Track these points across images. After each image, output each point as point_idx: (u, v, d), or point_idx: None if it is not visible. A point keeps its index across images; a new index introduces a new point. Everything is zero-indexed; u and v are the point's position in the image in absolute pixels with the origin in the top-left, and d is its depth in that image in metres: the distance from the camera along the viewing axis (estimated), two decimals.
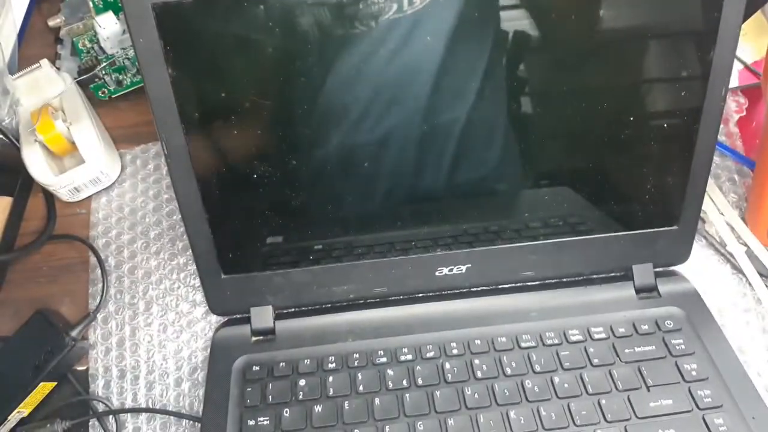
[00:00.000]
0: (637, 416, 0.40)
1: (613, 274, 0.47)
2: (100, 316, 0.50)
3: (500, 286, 0.47)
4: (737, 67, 0.56)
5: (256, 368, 0.43)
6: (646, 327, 0.44)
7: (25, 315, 0.48)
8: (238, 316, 0.46)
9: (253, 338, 0.45)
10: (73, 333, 0.47)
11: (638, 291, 0.46)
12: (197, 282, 0.50)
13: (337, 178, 0.42)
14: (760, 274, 0.49)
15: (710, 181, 0.52)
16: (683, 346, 0.43)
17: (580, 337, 0.44)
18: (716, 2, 0.39)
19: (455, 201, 0.44)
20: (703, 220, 0.51)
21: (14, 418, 0.45)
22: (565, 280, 0.47)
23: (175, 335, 0.49)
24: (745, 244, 0.50)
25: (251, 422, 0.40)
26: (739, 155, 0.53)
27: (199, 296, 0.50)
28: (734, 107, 0.56)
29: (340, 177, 0.42)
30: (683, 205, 0.44)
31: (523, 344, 0.43)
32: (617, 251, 0.46)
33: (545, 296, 0.46)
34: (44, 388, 0.46)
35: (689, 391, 0.41)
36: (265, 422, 0.40)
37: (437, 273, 0.45)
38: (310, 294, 0.45)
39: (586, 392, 0.41)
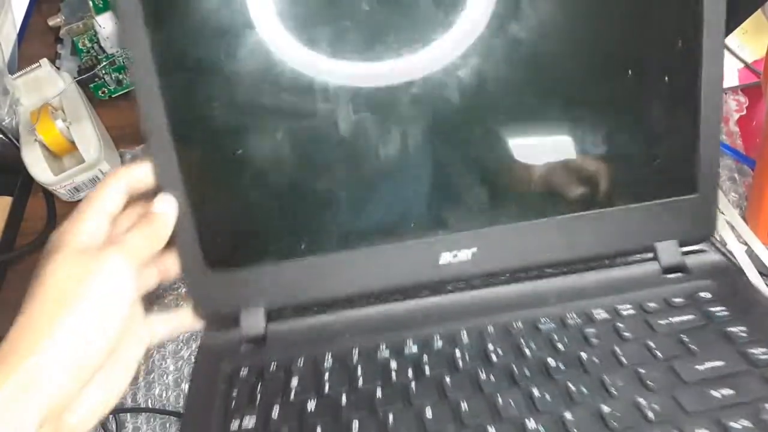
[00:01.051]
0: (684, 381, 0.34)
1: (636, 257, 0.42)
2: None
3: (512, 275, 0.42)
4: (737, 65, 0.56)
5: (244, 372, 0.38)
6: (679, 300, 0.39)
7: None
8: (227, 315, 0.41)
9: (243, 344, 0.40)
10: None
11: (665, 271, 0.41)
12: None
13: (328, 167, 0.39)
14: (761, 273, 0.49)
15: None
16: (725, 313, 0.38)
17: (606, 316, 0.38)
18: None
19: (458, 178, 0.40)
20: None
21: None
22: (584, 265, 0.43)
23: None
24: (746, 243, 0.50)
25: (236, 423, 0.35)
26: (739, 154, 0.53)
27: None
28: (734, 106, 0.56)
29: (332, 164, 0.39)
30: (699, 170, 0.41)
31: (542, 326, 0.38)
32: (637, 227, 0.41)
33: (563, 281, 0.42)
34: None
35: (741, 352, 0.35)
36: (251, 423, 0.35)
37: (441, 261, 0.40)
38: (304, 292, 0.40)
39: (621, 365, 0.35)
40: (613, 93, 0.40)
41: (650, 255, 0.42)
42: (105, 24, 0.54)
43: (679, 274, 0.41)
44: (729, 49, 0.57)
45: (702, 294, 0.39)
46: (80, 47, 0.57)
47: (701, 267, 0.42)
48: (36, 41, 0.58)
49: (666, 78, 0.40)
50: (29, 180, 0.51)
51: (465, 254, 0.40)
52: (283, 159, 0.38)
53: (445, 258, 0.40)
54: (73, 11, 0.58)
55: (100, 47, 0.56)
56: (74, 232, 0.32)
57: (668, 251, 0.41)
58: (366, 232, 0.40)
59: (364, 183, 0.40)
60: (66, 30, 0.57)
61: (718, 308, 0.38)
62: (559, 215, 0.41)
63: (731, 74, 0.56)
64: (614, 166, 0.41)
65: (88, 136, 0.50)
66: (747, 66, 0.56)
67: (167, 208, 0.35)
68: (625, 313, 0.39)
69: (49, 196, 0.53)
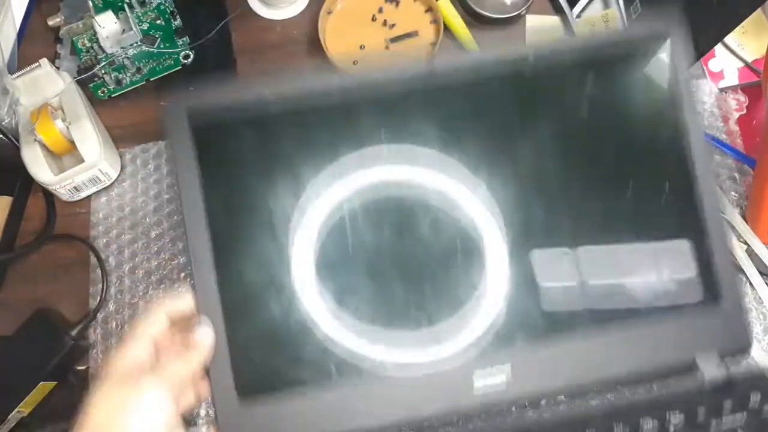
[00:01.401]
0: None
1: (678, 372, 0.43)
2: (100, 316, 0.50)
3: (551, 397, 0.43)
4: (737, 65, 0.56)
5: None
6: (728, 404, 0.39)
7: (25, 315, 0.48)
8: None
9: None
10: (73, 333, 0.47)
11: (709, 384, 0.42)
12: None
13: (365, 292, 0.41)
14: (761, 273, 0.49)
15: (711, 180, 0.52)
16: None
17: (655, 424, 0.39)
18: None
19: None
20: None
21: (14, 417, 0.45)
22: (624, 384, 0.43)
23: None
24: (746, 243, 0.50)
25: None
26: (739, 153, 0.53)
27: None
28: (734, 105, 0.56)
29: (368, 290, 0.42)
30: (718, 280, 0.43)
31: None
32: (673, 340, 0.42)
33: (604, 401, 0.42)
34: (44, 387, 0.46)
35: None
36: None
37: (476, 385, 0.41)
38: (336, 424, 0.40)
39: None
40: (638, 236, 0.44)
41: (693, 367, 0.42)
42: (104, 24, 0.54)
43: (725, 385, 0.42)
44: (729, 48, 0.57)
45: (753, 397, 0.40)
46: (80, 47, 0.57)
47: (745, 376, 0.42)
48: (36, 41, 0.58)
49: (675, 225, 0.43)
50: (29, 180, 0.51)
51: (500, 377, 0.41)
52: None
53: (480, 382, 0.41)
54: (73, 11, 0.58)
55: (100, 47, 0.56)
56: (118, 360, 0.34)
57: (709, 362, 0.41)
58: (394, 364, 0.41)
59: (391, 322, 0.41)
60: (66, 30, 0.57)
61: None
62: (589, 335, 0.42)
63: (731, 73, 0.56)
64: (640, 286, 0.43)
65: (88, 135, 0.50)
66: (747, 65, 0.56)
67: (206, 336, 0.37)
68: (675, 421, 0.39)
69: (49, 196, 0.53)
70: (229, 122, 0.41)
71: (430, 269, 0.42)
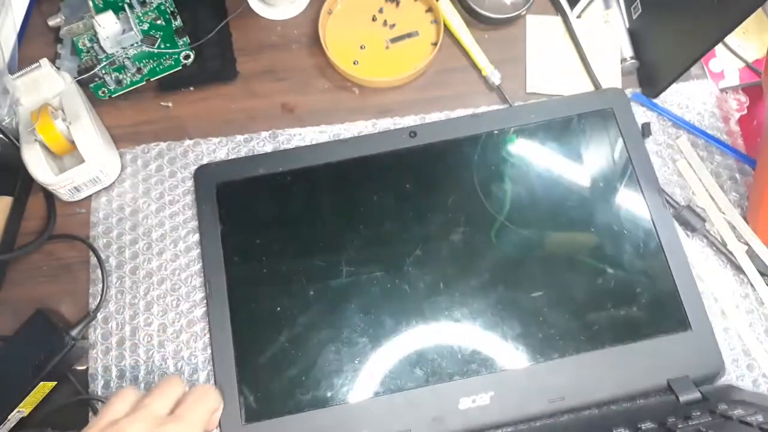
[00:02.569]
0: None
1: (654, 395, 0.46)
2: (100, 316, 0.50)
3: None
4: (738, 65, 0.56)
5: None
6: (698, 413, 0.41)
7: (25, 315, 0.48)
8: None
9: None
10: (73, 333, 0.47)
11: (683, 404, 0.44)
12: (199, 282, 0.50)
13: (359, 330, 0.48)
14: (762, 273, 0.49)
15: (711, 180, 0.52)
16: (744, 411, 0.41)
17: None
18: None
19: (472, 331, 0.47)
20: (704, 220, 0.50)
21: (14, 417, 0.45)
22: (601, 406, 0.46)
23: (174, 335, 0.49)
24: (747, 243, 0.50)
25: None
26: (740, 154, 0.53)
27: (200, 295, 0.50)
28: (735, 106, 0.56)
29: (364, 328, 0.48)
30: (684, 308, 0.47)
31: None
32: (648, 363, 0.46)
33: (580, 417, 0.46)
34: (44, 387, 0.46)
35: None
36: None
37: (460, 407, 0.45)
38: None
39: None
40: (607, 279, 0.49)
41: (668, 391, 0.45)
42: (105, 24, 0.54)
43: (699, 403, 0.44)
44: (730, 49, 0.57)
45: (721, 405, 0.42)
46: (80, 47, 0.57)
47: (716, 393, 0.45)
48: (36, 41, 0.58)
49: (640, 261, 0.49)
50: (29, 180, 0.51)
51: (483, 398, 0.46)
52: (315, 336, 0.48)
53: (465, 403, 0.45)
54: (73, 11, 0.58)
55: (100, 47, 0.56)
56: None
57: (683, 386, 0.45)
58: (386, 382, 0.46)
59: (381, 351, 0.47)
60: (66, 30, 0.57)
61: (738, 411, 0.41)
62: (568, 356, 0.46)
63: (732, 74, 0.56)
64: (617, 312, 0.47)
65: (88, 136, 0.50)
66: (748, 65, 0.56)
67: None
68: (645, 427, 0.41)
69: (49, 196, 0.53)
70: (252, 191, 0.52)
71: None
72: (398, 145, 0.52)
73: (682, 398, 0.44)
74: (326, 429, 0.45)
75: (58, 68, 0.55)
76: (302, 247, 0.50)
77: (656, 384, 0.45)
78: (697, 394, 0.44)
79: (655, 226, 0.49)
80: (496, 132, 0.53)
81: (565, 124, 0.53)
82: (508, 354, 0.46)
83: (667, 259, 0.48)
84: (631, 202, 0.50)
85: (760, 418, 0.39)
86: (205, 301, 0.49)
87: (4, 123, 0.51)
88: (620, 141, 0.52)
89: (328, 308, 0.48)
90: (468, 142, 0.52)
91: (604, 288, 0.48)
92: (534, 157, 0.52)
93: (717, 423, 0.40)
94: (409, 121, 0.55)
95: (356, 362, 0.47)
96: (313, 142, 0.54)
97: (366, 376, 0.46)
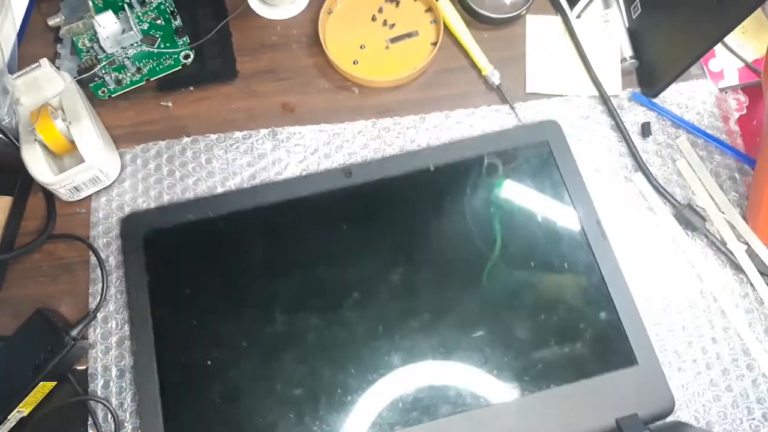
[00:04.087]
0: None
1: None
2: (100, 316, 0.49)
3: None
4: (737, 65, 0.56)
5: None
6: None
7: (25, 314, 0.48)
8: None
9: None
10: (73, 332, 0.47)
11: None
12: None
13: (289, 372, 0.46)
14: (761, 273, 0.49)
15: (711, 180, 0.52)
16: None
17: None
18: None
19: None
20: (704, 219, 0.51)
21: (14, 417, 0.45)
22: None
23: None
24: (746, 243, 0.50)
25: None
26: (739, 153, 0.53)
27: None
28: (735, 105, 0.56)
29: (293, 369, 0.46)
30: (630, 342, 0.46)
31: None
32: (596, 401, 0.45)
33: None
34: (44, 387, 0.46)
35: None
36: None
37: None
38: None
39: None
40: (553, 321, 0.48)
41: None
42: (105, 23, 0.54)
43: None
44: (729, 48, 0.57)
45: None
46: (80, 47, 0.57)
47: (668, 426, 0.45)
48: (36, 41, 0.58)
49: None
50: (29, 180, 0.51)
51: None
52: (248, 390, 0.46)
53: None
54: (73, 11, 0.58)
55: (100, 47, 0.56)
56: None
57: (632, 426, 0.44)
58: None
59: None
60: (66, 30, 0.57)
61: None
62: (515, 397, 0.45)
63: (731, 73, 0.56)
64: (561, 350, 0.46)
65: (88, 135, 0.50)
66: (747, 65, 0.56)
67: None
68: None
69: (49, 195, 0.53)
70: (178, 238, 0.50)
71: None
72: (333, 185, 0.51)
73: None
74: None
75: (58, 68, 0.55)
76: (234, 295, 0.48)
77: (605, 424, 0.44)
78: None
79: (595, 259, 0.49)
80: (432, 169, 0.51)
81: (501, 159, 0.52)
82: (452, 399, 0.45)
83: (609, 292, 0.48)
84: (569, 236, 0.50)
85: None
86: None
87: (4, 123, 0.51)
88: (557, 175, 0.51)
89: (261, 359, 0.46)
90: (403, 180, 0.51)
91: (546, 325, 0.47)
92: (469, 193, 0.51)
93: None
94: (409, 120, 0.55)
95: (291, 416, 0.45)
96: (252, 185, 0.53)
97: (302, 430, 0.44)
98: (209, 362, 0.46)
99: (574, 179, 0.51)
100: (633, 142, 0.53)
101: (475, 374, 0.46)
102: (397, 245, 0.50)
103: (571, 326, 0.47)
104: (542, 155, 0.52)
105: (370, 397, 0.45)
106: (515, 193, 0.51)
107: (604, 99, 0.55)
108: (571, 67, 0.57)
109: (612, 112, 0.54)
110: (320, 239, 0.50)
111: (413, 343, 0.46)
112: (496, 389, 0.45)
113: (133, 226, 0.51)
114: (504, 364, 0.46)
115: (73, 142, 0.50)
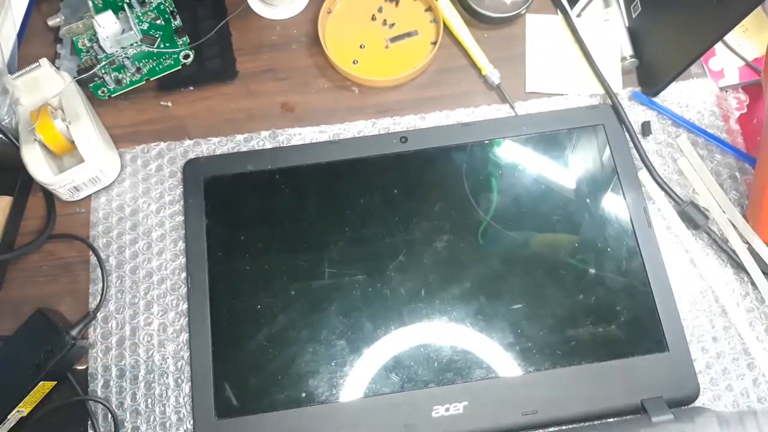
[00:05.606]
0: None
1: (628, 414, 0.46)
2: (100, 316, 0.49)
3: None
4: (738, 63, 0.56)
5: None
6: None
7: (25, 314, 0.48)
8: None
9: None
10: (73, 332, 0.47)
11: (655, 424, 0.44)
12: None
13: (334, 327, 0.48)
14: (763, 272, 0.49)
15: (711, 179, 0.52)
16: None
17: None
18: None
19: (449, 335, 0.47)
20: (707, 217, 0.50)
21: (14, 417, 0.45)
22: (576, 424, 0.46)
23: (175, 335, 0.49)
24: (747, 242, 0.50)
25: None
26: (740, 152, 0.53)
27: None
28: (735, 104, 0.56)
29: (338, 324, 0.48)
30: (663, 329, 0.47)
31: None
32: (623, 382, 0.46)
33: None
34: (44, 387, 0.46)
35: None
36: None
37: (434, 413, 0.45)
38: None
39: None
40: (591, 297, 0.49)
41: (642, 412, 0.45)
42: (104, 24, 0.54)
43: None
44: (729, 47, 0.57)
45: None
46: (80, 47, 0.57)
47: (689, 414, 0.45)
48: (36, 41, 0.58)
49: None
50: (29, 180, 0.51)
51: (456, 408, 0.45)
52: (293, 335, 0.48)
53: (438, 411, 0.45)
54: (73, 11, 0.58)
55: (100, 47, 0.56)
56: None
57: (656, 407, 0.44)
58: (361, 386, 0.46)
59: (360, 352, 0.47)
60: (65, 30, 0.57)
61: None
62: (545, 370, 0.46)
63: (732, 72, 0.56)
64: (595, 329, 0.47)
65: (88, 135, 0.50)
66: (747, 64, 0.56)
67: None
68: None
69: (49, 195, 0.53)
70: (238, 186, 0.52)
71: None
72: (388, 150, 0.52)
73: (655, 419, 0.44)
74: (297, 429, 0.45)
75: (58, 68, 0.55)
76: (286, 245, 0.50)
77: (630, 403, 0.45)
78: (669, 416, 0.44)
79: (638, 245, 0.49)
80: (486, 142, 0.53)
81: (555, 138, 0.53)
82: (485, 364, 0.46)
83: (649, 279, 0.48)
84: (616, 220, 0.50)
85: None
86: None
87: (3, 123, 0.51)
88: (610, 159, 0.52)
89: (308, 308, 0.48)
90: (458, 150, 0.52)
91: (584, 304, 0.48)
92: (522, 169, 0.52)
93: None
94: (409, 120, 0.55)
95: (333, 364, 0.46)
96: (311, 141, 0.54)
97: (342, 378, 0.46)
98: (259, 306, 0.48)
99: (625, 163, 0.52)
100: (638, 139, 0.53)
101: (510, 344, 0.47)
102: (446, 214, 0.51)
103: (608, 308, 0.48)
104: (597, 138, 0.53)
105: (407, 354, 0.47)
106: (568, 173, 0.52)
107: (610, 96, 0.54)
108: (571, 66, 0.57)
109: (617, 109, 0.53)
110: (371, 201, 0.51)
111: (453, 309, 0.48)
112: (528, 360, 0.47)
113: (194, 170, 0.52)
114: (539, 337, 0.47)
115: (72, 142, 0.50)
